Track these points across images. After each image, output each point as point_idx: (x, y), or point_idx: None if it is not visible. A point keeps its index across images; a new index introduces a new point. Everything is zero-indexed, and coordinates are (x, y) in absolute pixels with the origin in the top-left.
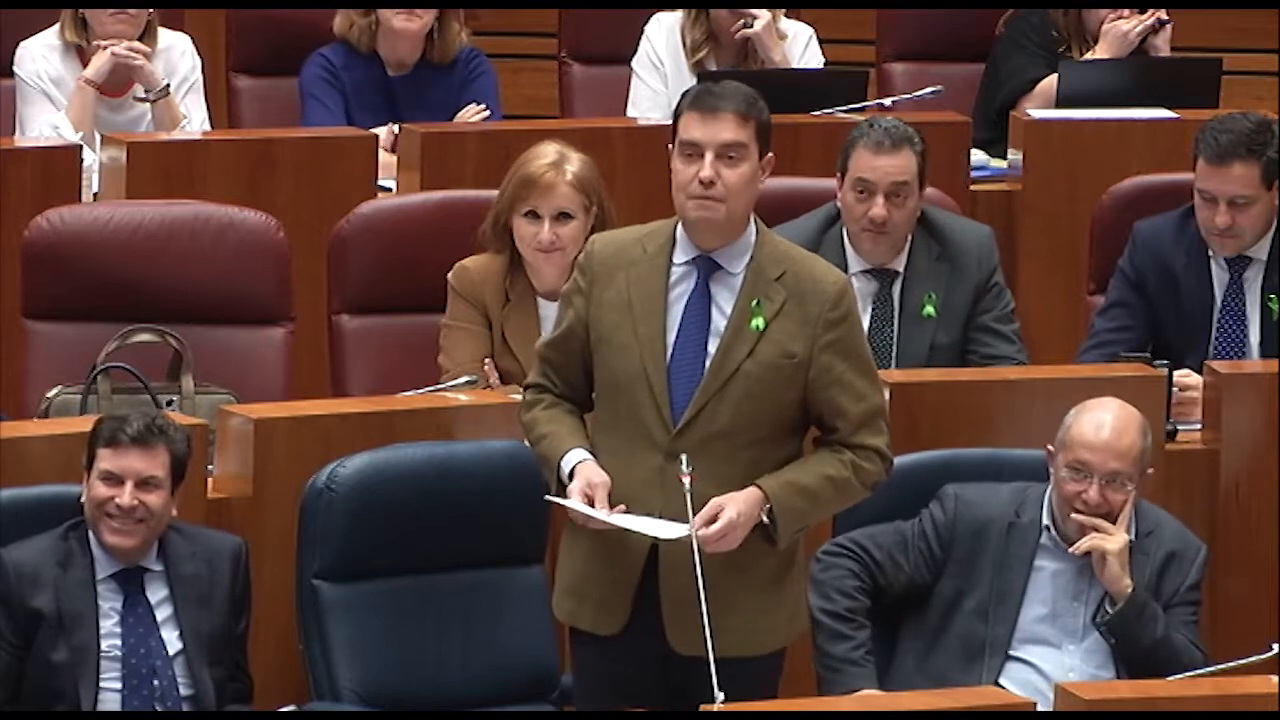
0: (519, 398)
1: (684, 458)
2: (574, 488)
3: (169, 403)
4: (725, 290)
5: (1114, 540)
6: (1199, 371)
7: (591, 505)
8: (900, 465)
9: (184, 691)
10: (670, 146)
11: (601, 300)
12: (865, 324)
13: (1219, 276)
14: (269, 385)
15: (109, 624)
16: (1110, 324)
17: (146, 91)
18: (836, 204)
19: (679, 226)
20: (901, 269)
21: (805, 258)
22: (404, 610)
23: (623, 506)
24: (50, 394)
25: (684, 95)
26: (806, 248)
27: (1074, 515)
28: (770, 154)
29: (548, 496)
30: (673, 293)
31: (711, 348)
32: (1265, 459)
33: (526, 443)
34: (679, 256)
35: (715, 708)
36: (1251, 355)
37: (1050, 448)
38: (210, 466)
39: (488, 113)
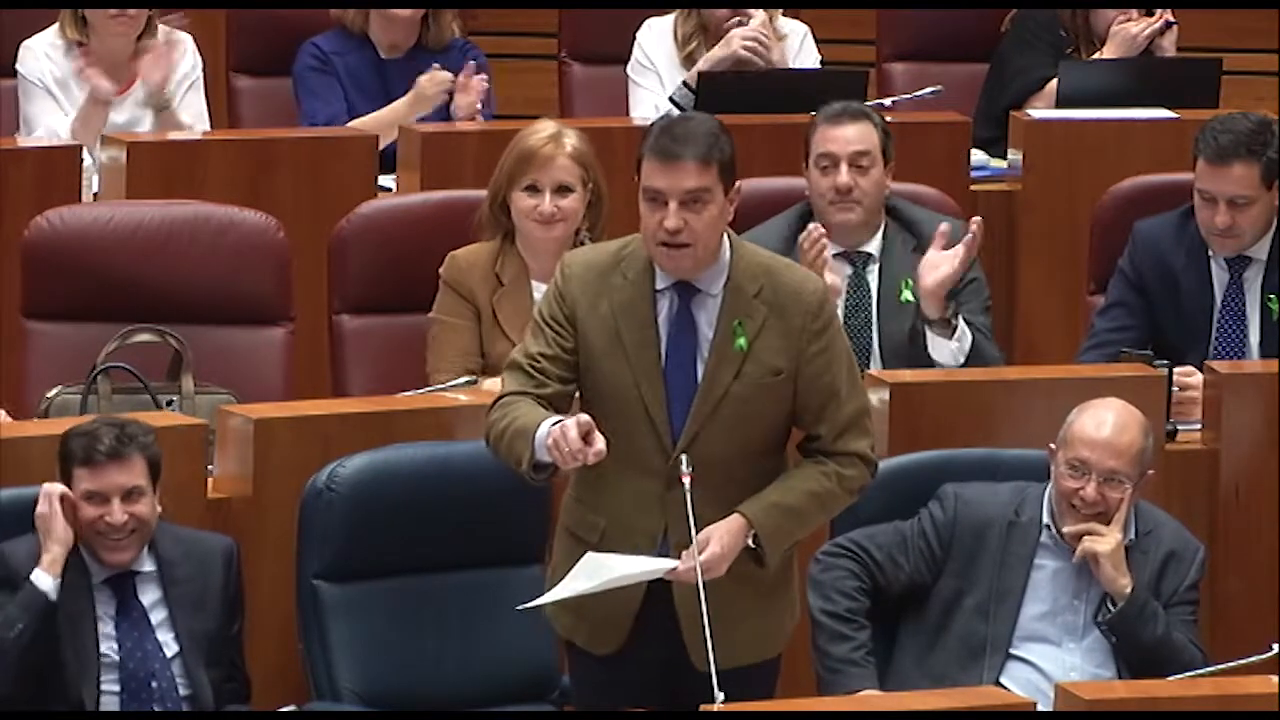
0: None
1: (684, 458)
2: (568, 423)
3: (169, 403)
4: (706, 312)
5: (1105, 542)
6: (1200, 371)
7: (586, 438)
8: (898, 465)
9: (183, 692)
10: (636, 178)
11: (588, 325)
12: (840, 309)
13: (1219, 276)
14: (269, 385)
15: (105, 628)
16: (1110, 324)
17: (149, 100)
18: (807, 200)
19: None
20: (876, 252)
21: (782, 267)
22: (404, 610)
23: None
24: (50, 394)
25: (646, 135)
26: (780, 247)
27: (1066, 527)
28: (737, 185)
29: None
30: (660, 319)
31: (699, 373)
32: (1265, 459)
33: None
34: (660, 282)
35: (715, 708)
36: (1251, 355)
37: (1052, 445)
38: (210, 466)
39: (486, 82)
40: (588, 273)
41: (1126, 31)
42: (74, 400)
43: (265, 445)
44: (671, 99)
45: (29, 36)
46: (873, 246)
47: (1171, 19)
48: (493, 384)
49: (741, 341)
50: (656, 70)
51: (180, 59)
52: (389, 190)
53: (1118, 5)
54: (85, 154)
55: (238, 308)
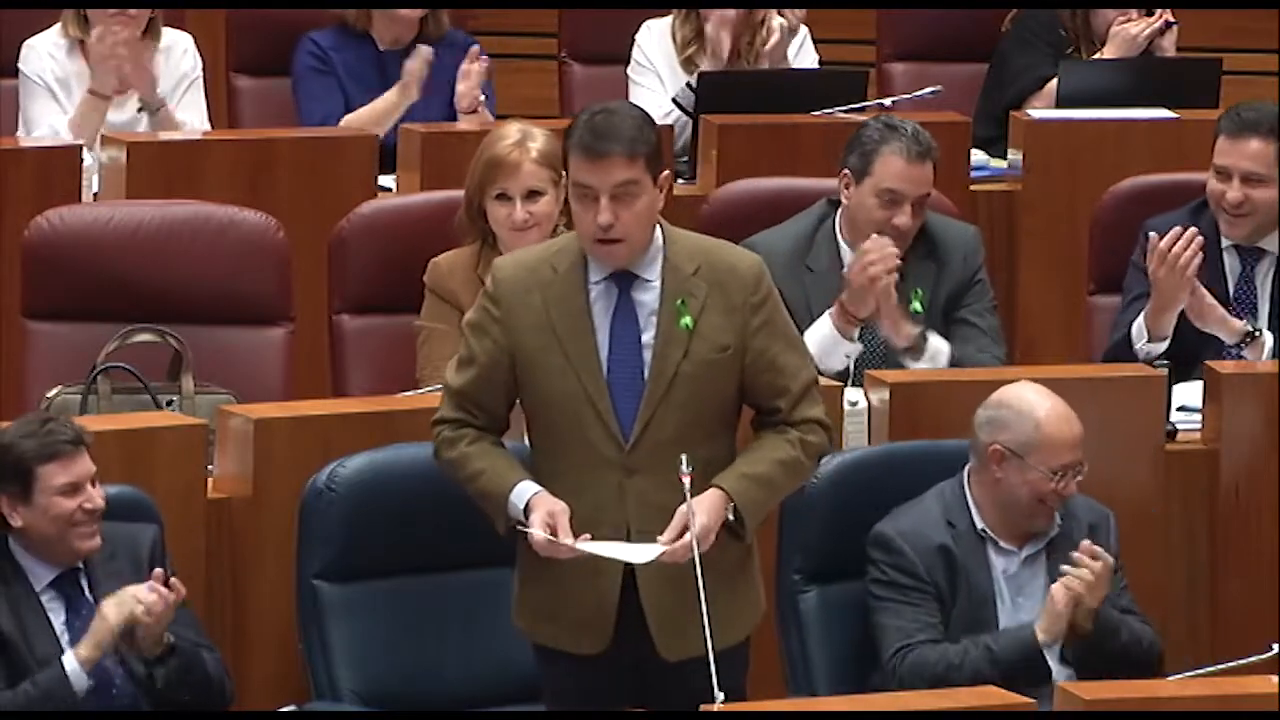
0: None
1: (684, 458)
2: (534, 519)
3: (169, 403)
4: (647, 297)
5: (1087, 586)
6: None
7: (554, 535)
8: (903, 454)
9: (135, 691)
10: (564, 174)
11: (521, 325)
12: None
13: (1231, 268)
14: (269, 385)
15: (62, 638)
16: (1135, 316)
17: (142, 105)
18: (827, 200)
19: None
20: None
21: (716, 246)
22: (404, 610)
23: (588, 536)
24: (50, 394)
25: (568, 133)
26: (800, 248)
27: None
28: (666, 172)
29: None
30: (595, 308)
31: (646, 357)
32: (1265, 459)
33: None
34: (594, 274)
35: (715, 708)
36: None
37: (999, 447)
38: (210, 466)
39: (486, 62)
40: (518, 271)
41: (1126, 31)
42: (74, 400)
43: (265, 445)
44: (675, 100)
45: (30, 36)
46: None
47: (1171, 19)
48: None
49: (687, 320)
50: (656, 70)
51: (161, 61)
52: (389, 190)
53: (1118, 5)
54: (85, 154)
55: (238, 308)
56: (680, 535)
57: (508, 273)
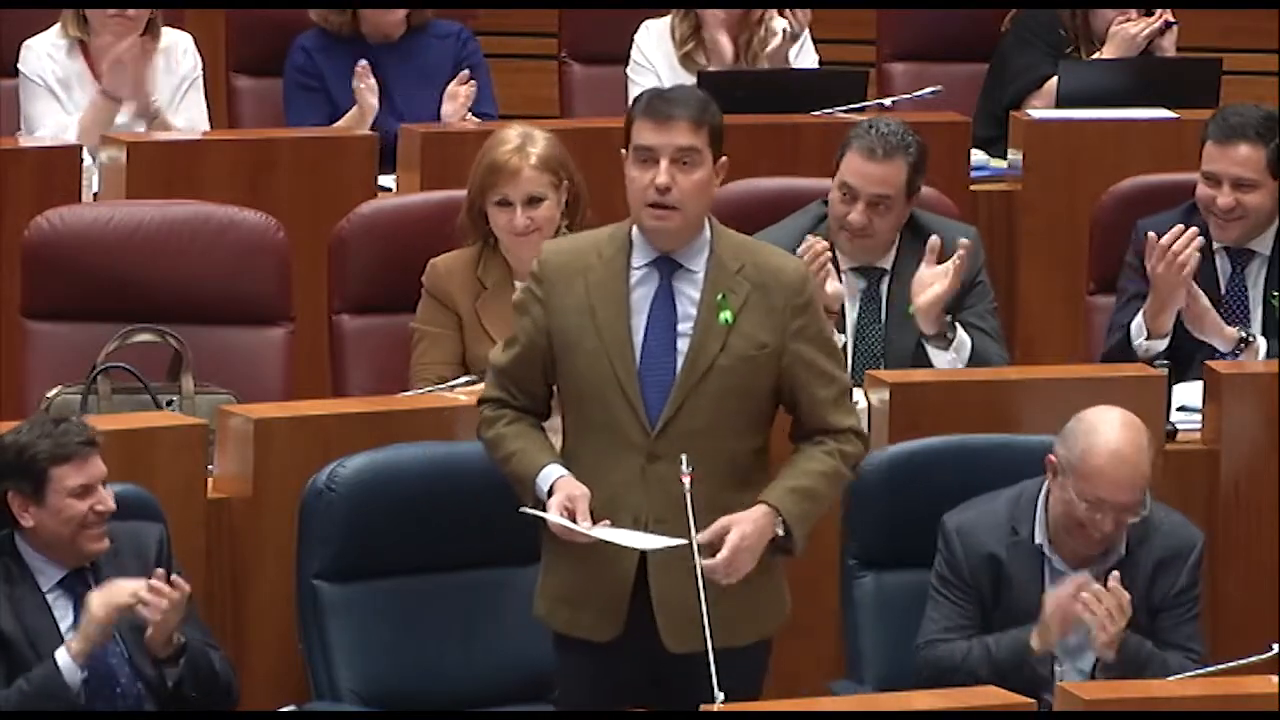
0: None
1: (684, 458)
2: (554, 502)
3: (169, 403)
4: (688, 287)
5: (1108, 639)
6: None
7: (572, 519)
8: (968, 446)
9: (140, 689)
10: (624, 151)
11: (562, 307)
12: (852, 321)
13: (1222, 269)
14: (269, 385)
15: (67, 638)
16: (1132, 315)
17: (138, 114)
18: (823, 200)
19: (634, 229)
20: (889, 267)
21: (762, 248)
22: (404, 610)
23: (607, 521)
24: (50, 394)
25: (635, 101)
26: (793, 247)
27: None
28: (724, 158)
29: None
30: (635, 294)
31: (681, 346)
32: (1265, 459)
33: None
34: (638, 259)
35: (715, 708)
36: None
37: (1053, 458)
38: (210, 466)
39: (473, 86)
40: (562, 256)
41: (1126, 31)
42: (74, 400)
43: (265, 445)
44: None
45: (30, 36)
46: (887, 262)
47: (1171, 19)
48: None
49: (726, 315)
50: (655, 69)
51: (161, 61)
52: (389, 190)
53: (1118, 5)
54: (85, 154)
55: (238, 308)
56: (718, 537)
57: (554, 254)
